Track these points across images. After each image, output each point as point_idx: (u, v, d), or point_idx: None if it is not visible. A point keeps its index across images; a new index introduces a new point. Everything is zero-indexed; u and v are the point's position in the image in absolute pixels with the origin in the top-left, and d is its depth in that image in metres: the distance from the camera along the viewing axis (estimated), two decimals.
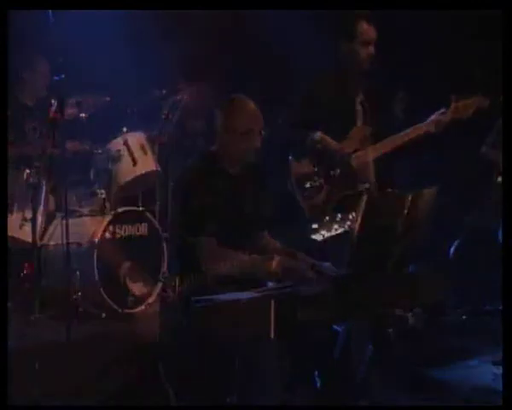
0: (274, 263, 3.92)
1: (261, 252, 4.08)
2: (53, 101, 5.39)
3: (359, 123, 5.09)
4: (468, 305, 5.86)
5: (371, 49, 5.03)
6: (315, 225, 3.46)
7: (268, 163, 4.56)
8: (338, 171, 4.96)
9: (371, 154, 5.03)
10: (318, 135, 4.96)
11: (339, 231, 3.46)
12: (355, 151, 5.01)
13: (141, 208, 6.05)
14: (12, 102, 5.43)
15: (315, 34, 6.89)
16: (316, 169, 4.98)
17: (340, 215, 3.46)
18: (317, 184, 4.94)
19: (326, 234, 3.46)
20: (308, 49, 7.03)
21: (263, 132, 4.10)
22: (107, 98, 6.35)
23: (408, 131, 5.06)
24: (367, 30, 5.04)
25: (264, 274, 3.94)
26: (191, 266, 3.96)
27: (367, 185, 4.83)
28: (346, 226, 3.45)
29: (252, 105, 4.11)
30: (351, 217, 3.46)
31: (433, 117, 5.05)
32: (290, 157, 5.09)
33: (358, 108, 5.11)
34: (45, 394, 4.50)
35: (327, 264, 3.99)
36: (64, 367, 4.57)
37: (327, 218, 3.47)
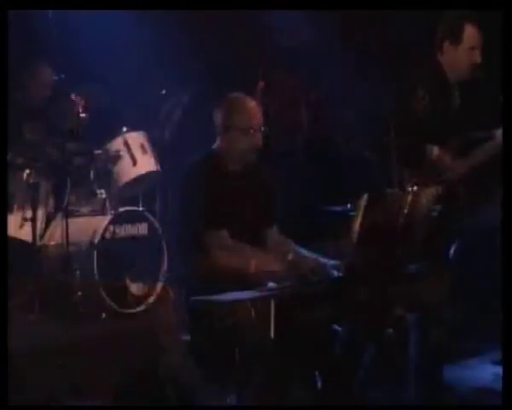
0: (289, 256, 3.92)
1: (271, 249, 4.11)
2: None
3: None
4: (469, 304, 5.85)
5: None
6: None
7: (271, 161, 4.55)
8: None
9: (466, 165, 4.87)
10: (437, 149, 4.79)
11: None
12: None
13: (141, 208, 6.05)
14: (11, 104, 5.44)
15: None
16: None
17: None
18: None
19: None
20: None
21: (264, 130, 4.09)
22: (107, 98, 6.35)
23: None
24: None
25: (279, 268, 3.93)
26: (198, 264, 3.96)
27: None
28: None
29: (251, 103, 4.10)
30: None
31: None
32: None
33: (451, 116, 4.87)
34: (45, 394, 4.51)
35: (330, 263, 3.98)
36: (64, 367, 4.58)
37: None
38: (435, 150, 4.72)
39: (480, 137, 4.88)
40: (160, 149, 6.41)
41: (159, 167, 6.31)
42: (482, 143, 4.88)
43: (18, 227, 5.60)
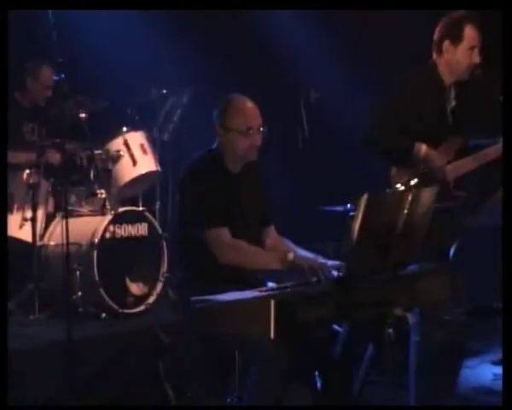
0: (290, 256, 3.92)
1: (271, 249, 4.11)
2: None
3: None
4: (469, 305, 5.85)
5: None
6: None
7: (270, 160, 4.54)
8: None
9: (466, 166, 4.81)
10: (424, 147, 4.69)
11: None
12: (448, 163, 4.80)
13: (141, 208, 6.05)
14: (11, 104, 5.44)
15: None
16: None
17: None
18: None
19: None
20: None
21: (263, 130, 4.09)
22: (107, 98, 6.35)
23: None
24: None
25: (280, 266, 3.93)
26: (198, 264, 3.96)
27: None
28: None
29: (250, 103, 4.10)
30: None
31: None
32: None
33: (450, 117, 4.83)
34: (45, 394, 4.51)
35: (330, 263, 3.98)
36: (64, 367, 4.58)
37: None
38: (423, 148, 4.71)
39: (483, 143, 4.88)
40: (160, 149, 6.42)
41: (159, 167, 6.32)
42: (484, 147, 4.87)
43: (18, 227, 5.60)
